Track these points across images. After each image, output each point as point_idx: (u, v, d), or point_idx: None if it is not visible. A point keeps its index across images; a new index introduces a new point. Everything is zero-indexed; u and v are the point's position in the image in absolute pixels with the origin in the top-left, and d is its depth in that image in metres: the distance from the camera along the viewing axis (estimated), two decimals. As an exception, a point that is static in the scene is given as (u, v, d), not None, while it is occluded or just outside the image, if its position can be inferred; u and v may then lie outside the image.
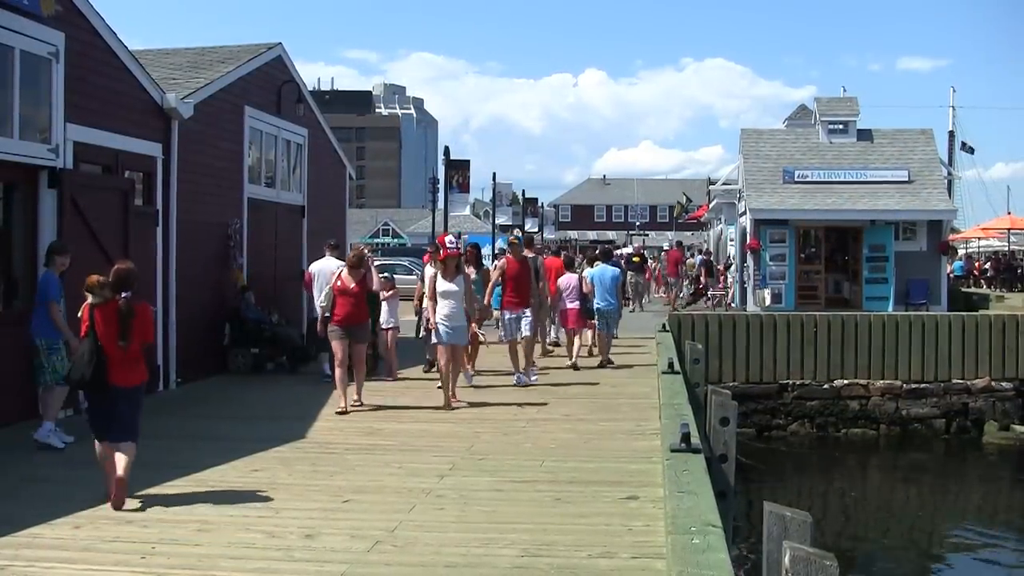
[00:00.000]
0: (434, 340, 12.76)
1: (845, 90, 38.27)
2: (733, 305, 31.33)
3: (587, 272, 17.53)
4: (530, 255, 15.70)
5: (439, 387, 12.94)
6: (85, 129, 12.16)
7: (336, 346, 12.22)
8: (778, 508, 5.56)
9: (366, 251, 13.69)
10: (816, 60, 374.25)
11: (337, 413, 11.83)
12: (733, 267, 33.44)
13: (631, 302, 29.54)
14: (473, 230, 55.11)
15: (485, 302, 14.92)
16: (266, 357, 16.05)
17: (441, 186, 36.38)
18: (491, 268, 16.45)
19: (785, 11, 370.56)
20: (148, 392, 10.06)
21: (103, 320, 7.87)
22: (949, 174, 33.15)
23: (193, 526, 7.12)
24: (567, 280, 16.96)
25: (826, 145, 31.10)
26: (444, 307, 12.52)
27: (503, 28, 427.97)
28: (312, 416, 11.69)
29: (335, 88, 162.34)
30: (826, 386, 20.69)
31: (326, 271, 13.76)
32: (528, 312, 14.74)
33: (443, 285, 12.60)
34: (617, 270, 17.74)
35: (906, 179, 29.81)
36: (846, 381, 20.70)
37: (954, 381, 20.68)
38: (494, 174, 47.28)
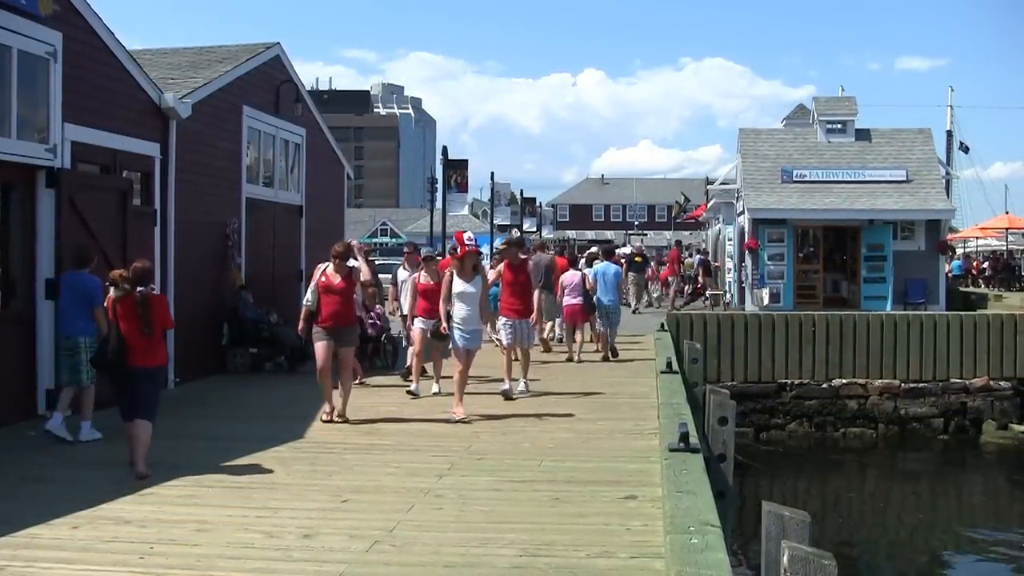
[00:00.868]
0: (452, 345, 12.05)
1: (843, 90, 38.20)
2: (730, 304, 31.34)
3: (588, 269, 18.32)
4: (545, 255, 16.51)
5: (408, 391, 13.04)
6: (83, 129, 12.15)
7: (319, 350, 11.19)
8: (777, 508, 5.57)
9: (354, 242, 12.73)
10: (815, 60, 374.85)
11: (323, 420, 11.18)
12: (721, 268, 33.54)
13: (633, 303, 29.29)
14: (471, 229, 55.11)
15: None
16: (265, 357, 16.04)
17: (439, 186, 36.42)
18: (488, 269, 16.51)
19: (784, 11, 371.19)
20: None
21: (124, 310, 8.86)
22: (947, 173, 33.18)
23: (191, 526, 7.12)
24: (570, 277, 17.71)
25: (824, 145, 31.11)
26: (460, 310, 11.77)
27: (502, 28, 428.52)
28: (311, 416, 11.67)
29: (333, 88, 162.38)
30: (824, 385, 20.69)
31: None
32: (527, 323, 13.94)
33: (459, 285, 11.80)
34: (619, 267, 18.88)
35: (904, 179, 29.83)
36: (844, 380, 20.71)
37: (952, 380, 20.70)
38: (492, 174, 47.36)
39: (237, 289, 15.89)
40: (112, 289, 8.97)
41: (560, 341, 19.23)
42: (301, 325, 11.47)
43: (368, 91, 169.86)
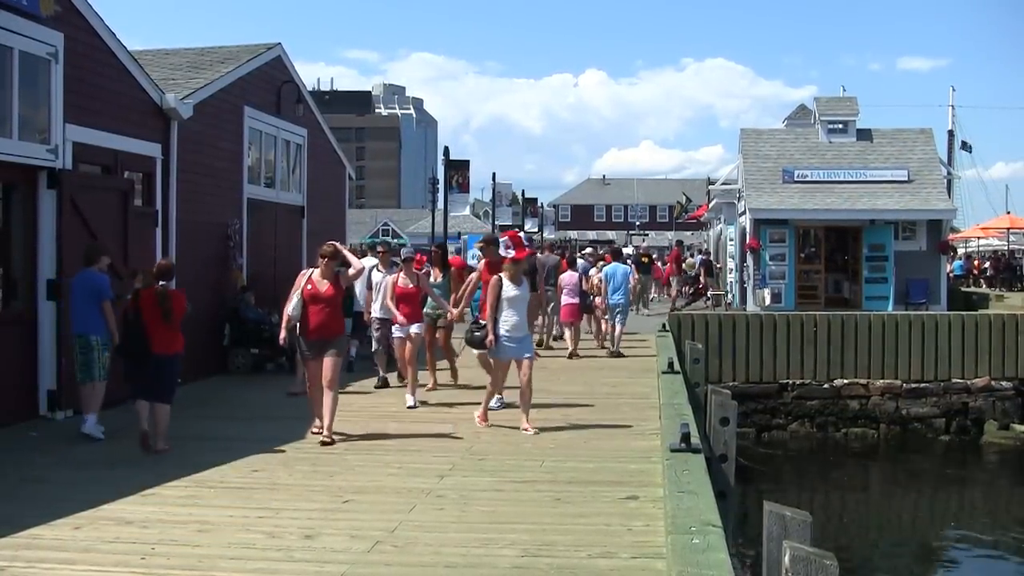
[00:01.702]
0: (497, 356, 10.97)
1: (844, 90, 38.20)
2: (732, 304, 31.31)
3: (593, 270, 18.93)
4: (552, 256, 16.68)
5: (409, 406, 12.24)
6: (84, 130, 12.16)
7: (308, 368, 10.47)
8: (778, 508, 5.56)
9: (339, 245, 11.07)
10: (816, 60, 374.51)
11: (321, 442, 10.09)
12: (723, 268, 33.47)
13: (638, 304, 29.03)
14: (473, 230, 55.09)
15: (462, 307, 13.41)
16: (266, 357, 16.03)
17: (441, 186, 36.37)
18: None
19: (785, 11, 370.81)
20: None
21: (145, 302, 9.91)
22: (948, 174, 33.13)
23: (193, 526, 7.12)
24: (568, 277, 18.30)
25: (825, 145, 31.09)
26: (510, 316, 10.72)
27: (503, 28, 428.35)
28: (312, 416, 11.66)
29: (335, 88, 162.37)
30: (826, 386, 20.71)
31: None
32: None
33: (510, 290, 10.74)
34: (627, 267, 19.65)
35: (906, 179, 29.80)
36: (846, 381, 20.72)
37: (954, 380, 20.70)
38: (494, 174, 47.32)
39: (238, 290, 15.89)
40: (136, 281, 10.26)
41: (559, 338, 19.44)
42: (283, 335, 10.55)
43: (369, 92, 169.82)
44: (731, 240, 34.54)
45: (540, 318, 19.34)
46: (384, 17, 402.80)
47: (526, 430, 10.64)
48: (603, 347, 18.93)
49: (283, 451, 9.85)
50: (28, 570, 6.19)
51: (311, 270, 10.42)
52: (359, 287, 14.31)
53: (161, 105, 13.96)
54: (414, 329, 12.71)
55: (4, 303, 11.40)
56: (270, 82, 17.75)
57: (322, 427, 10.22)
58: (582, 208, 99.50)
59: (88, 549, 6.61)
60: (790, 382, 20.69)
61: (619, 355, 17.95)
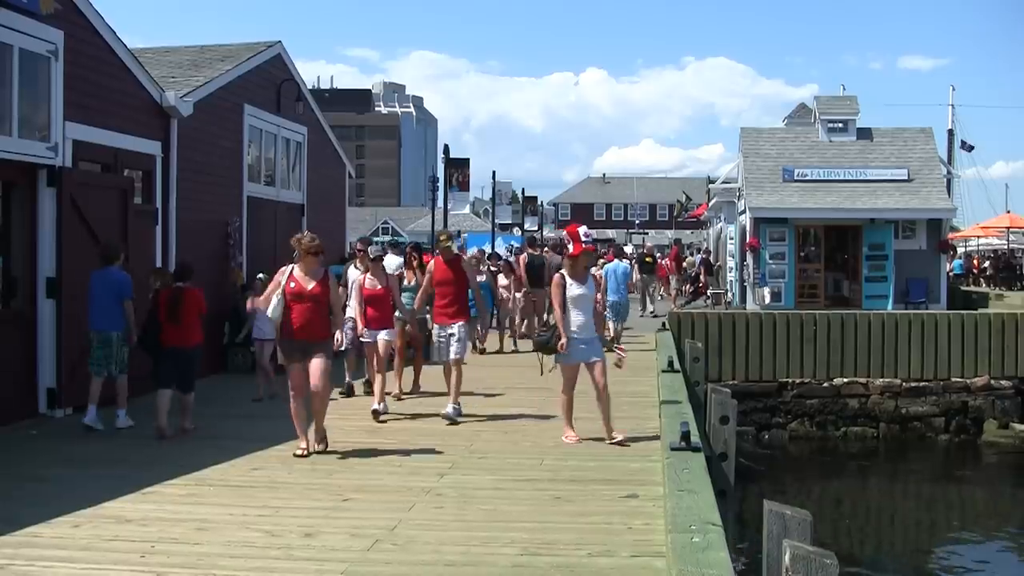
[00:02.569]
0: (564, 361, 10.07)
1: (844, 88, 38.18)
2: (732, 303, 31.30)
3: (595, 269, 18.91)
4: (556, 256, 16.71)
5: (374, 410, 11.41)
6: (84, 127, 12.15)
7: (292, 373, 9.47)
8: (778, 506, 5.55)
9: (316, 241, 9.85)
10: (817, 59, 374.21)
11: (296, 456, 9.39)
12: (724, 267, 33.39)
13: (644, 304, 28.13)
14: (473, 229, 55.11)
15: (417, 307, 12.63)
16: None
17: (441, 185, 36.36)
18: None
19: (787, 10, 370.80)
20: (147, 392, 11.12)
21: (161, 300, 10.72)
22: (948, 173, 33.13)
23: (193, 525, 7.11)
24: None
25: (826, 144, 31.09)
26: (577, 317, 9.93)
27: (505, 27, 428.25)
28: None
29: (335, 86, 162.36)
30: (826, 384, 20.71)
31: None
32: (459, 328, 11.55)
33: (575, 289, 9.98)
34: (627, 265, 20.14)
35: (906, 178, 29.80)
36: (846, 379, 20.72)
37: (953, 379, 20.71)
38: (494, 172, 47.26)
39: (239, 288, 15.88)
40: (155, 282, 11.18)
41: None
42: (279, 348, 9.95)
43: (369, 90, 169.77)
44: (731, 239, 34.55)
45: (535, 318, 19.54)
46: (385, 15, 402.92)
47: (614, 439, 9.89)
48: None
49: (283, 450, 9.84)
50: (28, 568, 6.18)
51: (291, 266, 9.54)
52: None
53: (161, 103, 13.95)
54: (382, 336, 11.90)
55: (4, 301, 11.40)
56: (270, 80, 17.74)
57: (307, 447, 9.44)
58: (582, 207, 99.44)
59: (88, 547, 6.61)
60: (790, 381, 20.70)
61: (616, 351, 17.85)
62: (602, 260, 21.38)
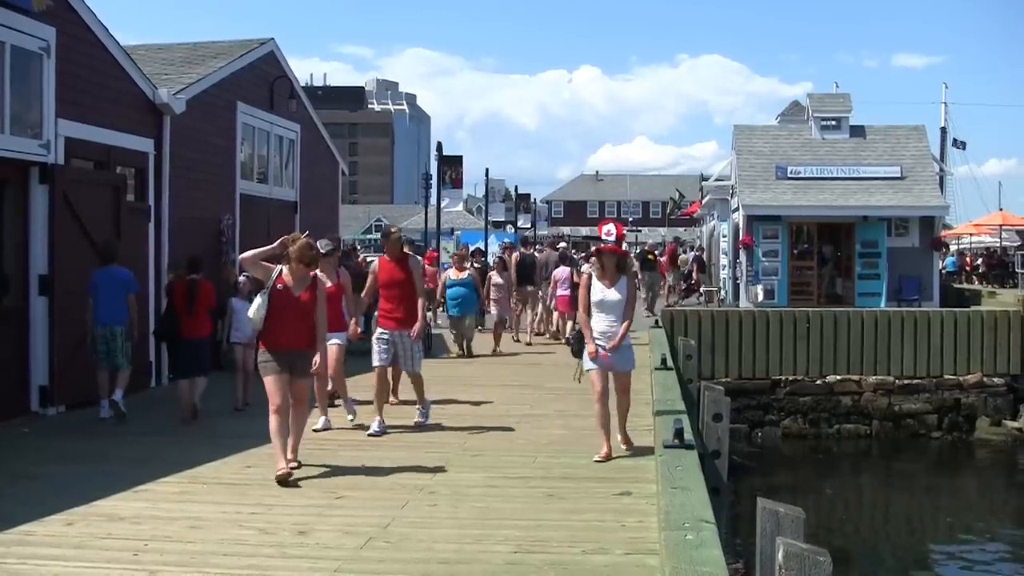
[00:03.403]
0: (587, 367, 9.34)
1: (837, 86, 38.26)
2: (725, 301, 31.33)
3: (585, 266, 19.07)
4: (554, 253, 16.81)
5: (315, 429, 10.35)
6: (77, 124, 12.12)
7: (273, 386, 8.45)
8: (771, 504, 5.56)
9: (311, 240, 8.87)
10: (812, 57, 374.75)
11: (277, 479, 8.29)
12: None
13: (648, 303, 26.98)
14: (466, 226, 55.08)
15: (356, 319, 11.55)
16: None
17: (434, 182, 36.36)
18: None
19: (781, 8, 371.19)
20: (139, 388, 11.46)
21: (176, 292, 11.29)
22: (941, 170, 33.21)
23: (186, 523, 7.10)
24: (561, 272, 19.12)
25: (819, 141, 31.12)
26: (600, 322, 9.20)
27: (499, 24, 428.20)
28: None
29: (328, 84, 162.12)
30: (819, 382, 20.74)
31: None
32: (410, 335, 10.59)
33: (599, 292, 9.23)
34: None
35: (898, 175, 29.85)
36: (839, 377, 20.75)
37: (946, 377, 20.75)
38: (487, 170, 47.31)
39: (232, 285, 15.82)
40: (170, 275, 12.08)
41: (557, 334, 19.64)
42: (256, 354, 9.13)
43: (362, 87, 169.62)
44: (724, 236, 34.58)
45: (530, 313, 20.18)
46: (379, 12, 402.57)
47: (623, 445, 9.45)
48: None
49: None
50: (20, 566, 6.17)
51: (279, 267, 8.56)
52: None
53: (154, 100, 13.92)
54: (332, 341, 10.58)
55: (-4, 299, 11.38)
56: (263, 77, 17.71)
57: (287, 467, 8.41)
58: (575, 204, 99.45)
59: (80, 545, 6.59)
60: (783, 378, 20.71)
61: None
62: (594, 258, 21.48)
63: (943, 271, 34.68)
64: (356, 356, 12.85)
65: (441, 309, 19.48)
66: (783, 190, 29.71)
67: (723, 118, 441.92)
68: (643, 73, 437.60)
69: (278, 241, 8.64)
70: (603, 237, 9.09)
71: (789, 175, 30.06)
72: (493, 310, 19.98)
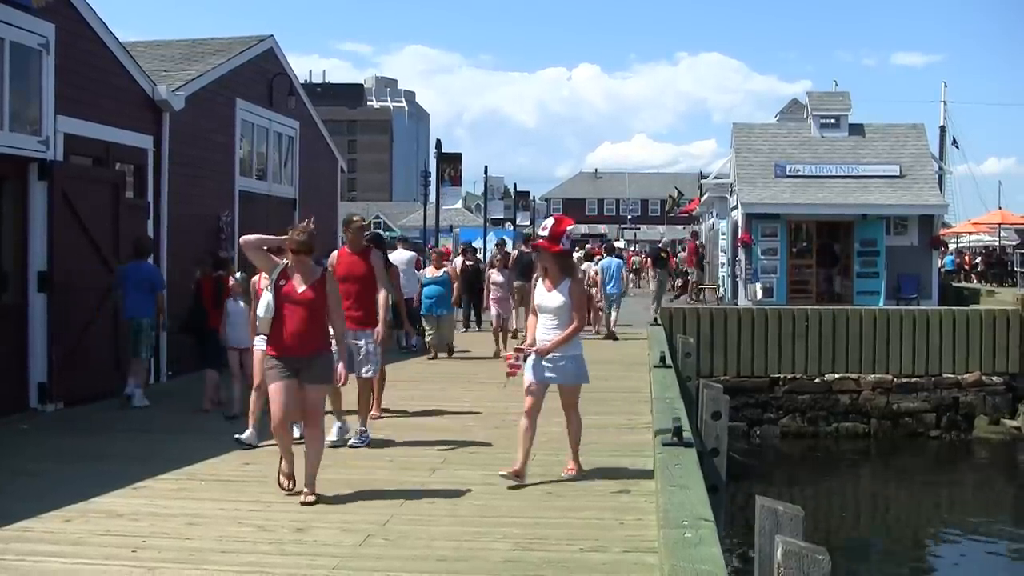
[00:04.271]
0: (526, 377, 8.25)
1: (837, 84, 38.26)
2: (724, 299, 31.33)
3: (585, 265, 20.05)
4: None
5: (237, 437, 9.54)
6: (76, 121, 12.11)
7: (276, 392, 7.58)
8: (770, 502, 5.55)
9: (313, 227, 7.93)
10: (811, 55, 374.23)
11: (281, 485, 7.94)
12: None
13: (655, 301, 25.70)
14: (465, 223, 55.06)
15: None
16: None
17: (433, 179, 36.34)
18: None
19: (780, 6, 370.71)
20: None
21: (205, 288, 11.77)
22: (940, 169, 33.21)
23: (184, 520, 7.10)
24: None
25: (818, 140, 31.13)
26: (539, 328, 8.27)
27: (498, 22, 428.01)
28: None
29: (327, 81, 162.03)
30: (817, 380, 20.76)
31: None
32: (369, 338, 9.60)
33: (539, 295, 8.37)
34: (621, 261, 21.31)
35: (897, 174, 29.86)
36: (837, 375, 20.77)
37: (945, 375, 20.78)
38: (486, 167, 47.23)
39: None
40: (197, 272, 12.25)
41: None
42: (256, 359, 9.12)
43: (361, 84, 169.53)
44: (723, 235, 34.59)
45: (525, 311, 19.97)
46: (378, 10, 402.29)
47: (568, 472, 8.45)
48: (598, 332, 19.89)
49: (275, 445, 9.80)
50: (19, 563, 6.16)
51: (283, 263, 7.82)
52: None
53: (153, 97, 13.91)
54: (257, 343, 9.49)
55: (-6, 295, 11.37)
56: (262, 74, 17.70)
57: (291, 478, 7.90)
58: (574, 202, 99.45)
59: (79, 542, 6.58)
60: (781, 377, 20.74)
61: (613, 336, 19.36)
62: (597, 257, 21.67)
63: (942, 270, 34.69)
64: None
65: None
66: (782, 188, 29.72)
67: (722, 116, 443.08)
68: (642, 71, 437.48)
69: (286, 236, 7.79)
70: (539, 232, 8.39)
71: (788, 173, 30.06)
72: (493, 310, 18.86)
